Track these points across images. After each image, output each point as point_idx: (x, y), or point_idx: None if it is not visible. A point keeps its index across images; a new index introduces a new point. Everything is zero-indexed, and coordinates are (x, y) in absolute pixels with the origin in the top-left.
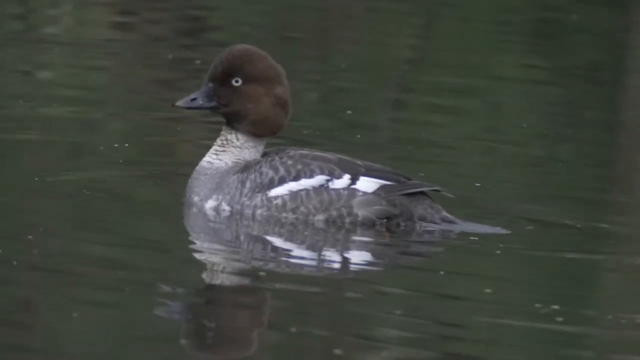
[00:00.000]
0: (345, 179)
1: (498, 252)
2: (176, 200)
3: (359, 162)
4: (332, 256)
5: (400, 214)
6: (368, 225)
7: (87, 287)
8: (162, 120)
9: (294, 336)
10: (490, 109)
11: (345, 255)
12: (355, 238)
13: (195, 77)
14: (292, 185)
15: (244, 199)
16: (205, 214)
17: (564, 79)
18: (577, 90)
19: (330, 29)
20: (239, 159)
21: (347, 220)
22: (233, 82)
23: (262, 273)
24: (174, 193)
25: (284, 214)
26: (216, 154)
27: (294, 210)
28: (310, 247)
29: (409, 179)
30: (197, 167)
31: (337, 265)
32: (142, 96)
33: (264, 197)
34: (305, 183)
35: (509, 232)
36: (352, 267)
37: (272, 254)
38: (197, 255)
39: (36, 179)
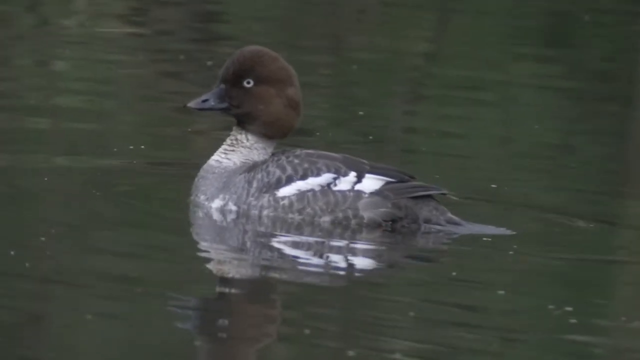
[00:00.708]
0: (352, 176)
1: (511, 252)
2: (184, 197)
3: (364, 161)
4: (338, 260)
5: (405, 216)
6: (373, 226)
7: (96, 298)
8: (172, 112)
9: (306, 346)
10: (506, 104)
11: (350, 257)
12: (361, 238)
13: (205, 72)
14: (300, 184)
15: (250, 199)
16: (211, 214)
17: (581, 74)
18: (593, 84)
19: (343, 24)
20: (247, 159)
21: (353, 222)
22: (244, 83)
23: (271, 280)
24: (182, 190)
25: (290, 215)
26: (225, 153)
27: (300, 211)
28: (318, 252)
29: (413, 177)
30: (205, 166)
31: (343, 268)
32: (152, 90)
33: (271, 198)
34: (312, 182)
35: (514, 232)
36: (359, 269)
37: (279, 259)
38: (206, 262)
39: (44, 164)
